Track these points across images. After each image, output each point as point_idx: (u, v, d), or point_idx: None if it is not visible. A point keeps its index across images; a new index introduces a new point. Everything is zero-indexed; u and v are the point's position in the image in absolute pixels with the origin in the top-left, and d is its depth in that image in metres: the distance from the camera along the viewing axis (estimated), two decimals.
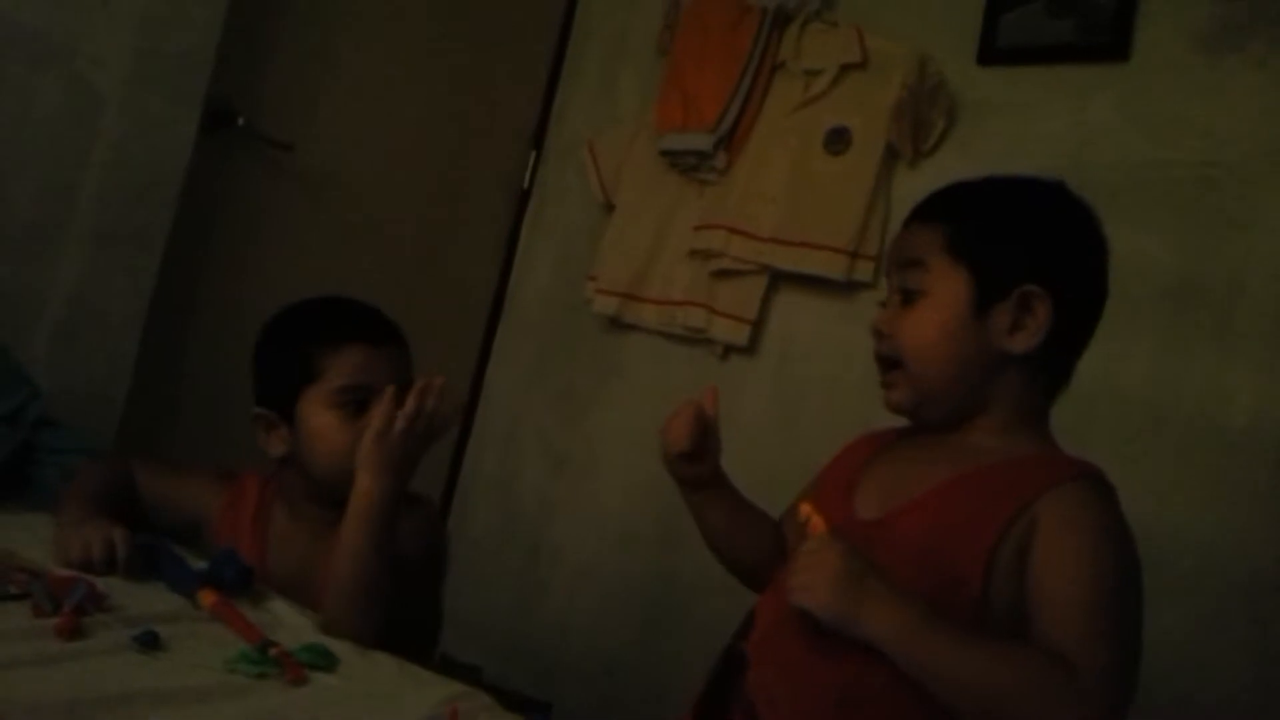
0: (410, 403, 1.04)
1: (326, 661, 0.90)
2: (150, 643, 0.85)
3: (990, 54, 1.77)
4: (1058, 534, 0.86)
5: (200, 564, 1.05)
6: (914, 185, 1.79)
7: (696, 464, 1.07)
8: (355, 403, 1.14)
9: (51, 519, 1.11)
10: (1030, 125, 1.71)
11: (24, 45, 1.49)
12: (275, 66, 1.89)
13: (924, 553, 0.89)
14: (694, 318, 2.00)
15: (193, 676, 0.81)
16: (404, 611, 1.06)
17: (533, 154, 2.40)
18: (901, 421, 1.04)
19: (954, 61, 1.80)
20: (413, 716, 0.83)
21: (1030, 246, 0.94)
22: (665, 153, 2.06)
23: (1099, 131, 1.65)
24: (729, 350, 2.00)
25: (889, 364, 0.98)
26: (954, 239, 0.95)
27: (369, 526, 1.03)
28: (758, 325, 1.95)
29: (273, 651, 0.87)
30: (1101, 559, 0.85)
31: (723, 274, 1.96)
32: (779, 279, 1.93)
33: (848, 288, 1.84)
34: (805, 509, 0.91)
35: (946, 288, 0.94)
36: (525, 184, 2.40)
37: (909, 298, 0.96)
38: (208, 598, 0.98)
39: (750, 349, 1.96)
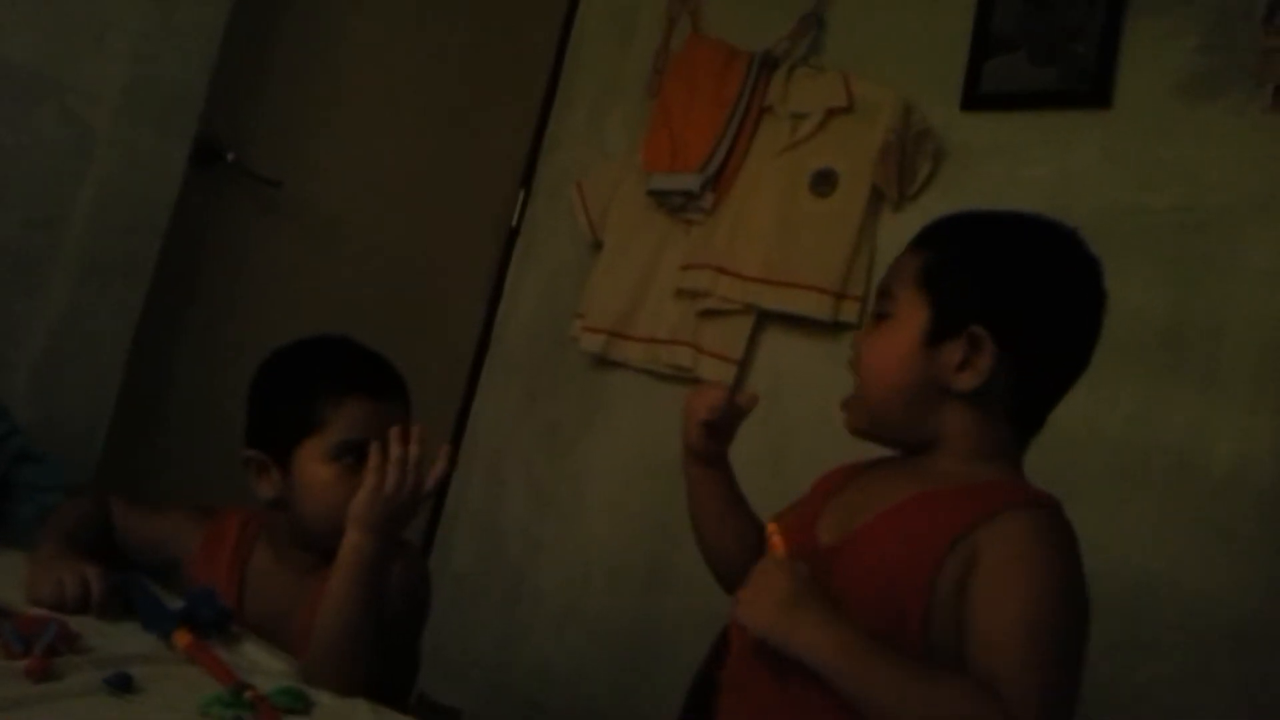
0: (394, 449, 1.02)
1: (301, 705, 0.89)
2: (123, 685, 0.83)
3: (974, 100, 1.79)
4: (998, 562, 0.86)
5: (177, 603, 1.04)
6: (899, 228, 1.80)
7: (712, 438, 1.07)
8: (355, 457, 1.11)
9: (28, 556, 1.09)
10: (1014, 170, 1.73)
11: (16, 79, 1.49)
12: (265, 103, 1.90)
13: (871, 578, 0.90)
14: (680, 356, 2.00)
15: (163, 718, 0.80)
16: (383, 658, 1.04)
17: (522, 192, 2.41)
18: (879, 452, 1.05)
19: (938, 107, 1.82)
20: None
21: (988, 288, 0.94)
22: (653, 192, 2.07)
23: (1082, 177, 1.67)
24: None
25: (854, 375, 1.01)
26: (925, 270, 0.96)
27: (357, 583, 1.01)
28: (744, 365, 1.95)
29: (248, 695, 0.86)
30: (1040, 589, 0.85)
31: (709, 313, 1.97)
32: (765, 319, 1.94)
33: (834, 329, 1.85)
34: (770, 528, 0.93)
35: (907, 316, 0.96)
36: (514, 222, 2.41)
37: (879, 320, 0.99)
38: (183, 639, 0.96)
39: (736, 389, 1.96)
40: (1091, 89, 1.67)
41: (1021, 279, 0.95)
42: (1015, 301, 0.94)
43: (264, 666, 0.98)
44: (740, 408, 1.07)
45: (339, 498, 1.08)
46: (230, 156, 1.81)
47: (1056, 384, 0.97)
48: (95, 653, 0.89)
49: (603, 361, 2.14)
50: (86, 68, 1.56)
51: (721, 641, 1.00)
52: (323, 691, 0.94)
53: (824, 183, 1.87)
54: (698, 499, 1.13)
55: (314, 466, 1.13)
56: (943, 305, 0.94)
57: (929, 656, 0.85)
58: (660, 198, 2.07)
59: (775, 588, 0.87)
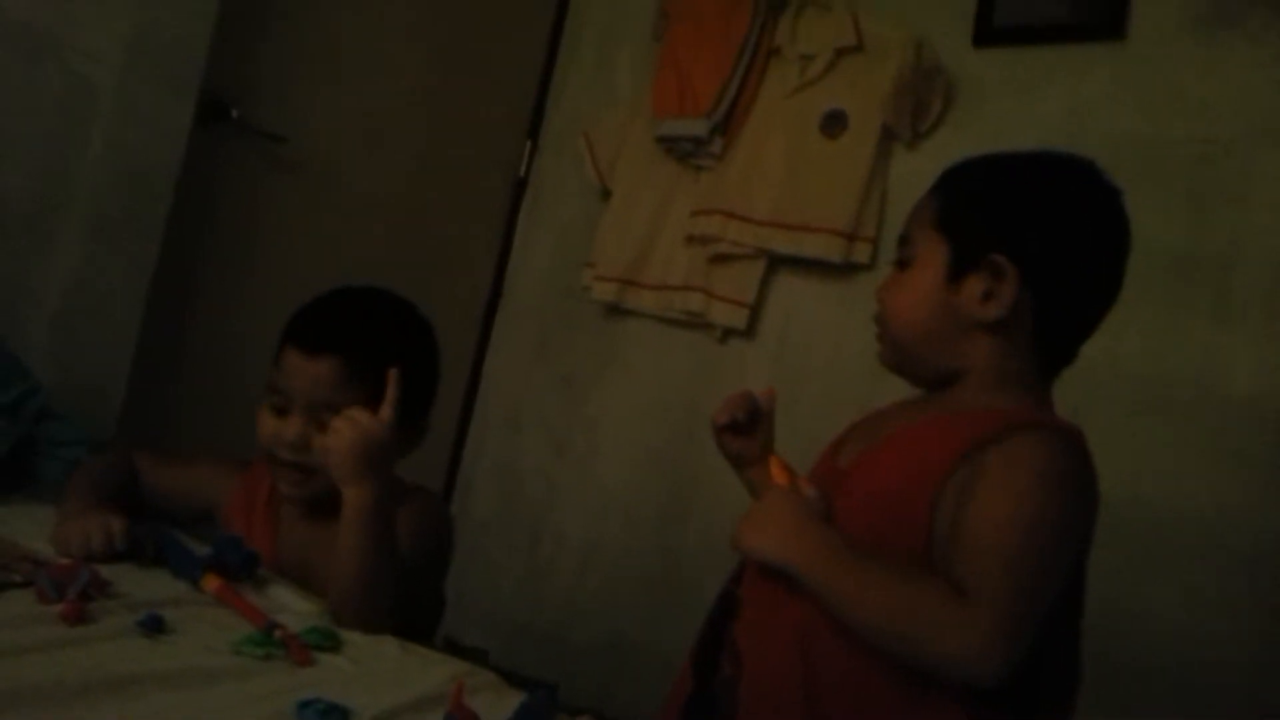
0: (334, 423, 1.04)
1: (331, 643, 0.91)
2: (155, 626, 0.85)
3: (986, 35, 1.77)
4: (996, 473, 0.86)
5: (205, 550, 1.06)
6: (912, 167, 1.79)
7: (741, 440, 1.09)
8: (274, 401, 1.15)
9: (54, 510, 1.11)
10: (1027, 105, 1.71)
11: (17, 37, 1.48)
12: (268, 58, 1.89)
13: (876, 496, 0.91)
14: (692, 302, 2.00)
15: (198, 659, 0.82)
16: (406, 601, 1.06)
17: (529, 142, 2.40)
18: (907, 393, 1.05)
19: (950, 43, 1.80)
20: (418, 694, 0.83)
21: (1003, 217, 0.95)
22: (661, 139, 2.05)
23: (1095, 110, 1.65)
24: (728, 334, 2.00)
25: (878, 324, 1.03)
26: (941, 211, 0.97)
27: (362, 530, 1.03)
28: (756, 309, 1.95)
29: (278, 634, 0.87)
30: (1030, 499, 0.84)
31: (720, 258, 1.97)
32: (777, 263, 1.94)
33: (846, 270, 1.84)
34: (772, 459, 0.98)
35: (927, 258, 0.97)
36: (522, 172, 2.40)
37: (901, 266, 1.00)
38: (211, 583, 0.98)
39: (749, 333, 1.97)
40: (1105, 20, 1.65)
41: (1035, 204, 0.95)
42: (1031, 225, 0.94)
43: (293, 608, 1.00)
44: (759, 403, 1.08)
45: (262, 433, 1.15)
46: (235, 113, 1.81)
47: (1082, 312, 0.97)
48: (127, 597, 0.91)
49: (615, 310, 2.14)
50: (87, 24, 1.54)
51: (743, 562, 1.02)
52: (352, 630, 0.96)
53: (834, 124, 1.86)
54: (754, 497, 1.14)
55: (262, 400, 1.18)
56: (960, 240, 0.95)
57: (930, 567, 0.86)
58: (669, 144, 2.05)
59: (761, 508, 0.92)
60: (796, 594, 0.88)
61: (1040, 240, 0.94)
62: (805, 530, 0.89)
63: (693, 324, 2.03)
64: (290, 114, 1.91)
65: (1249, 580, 1.41)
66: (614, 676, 1.99)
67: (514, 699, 0.85)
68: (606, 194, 2.20)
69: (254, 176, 1.90)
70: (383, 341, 1.17)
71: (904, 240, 1.00)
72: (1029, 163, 1.00)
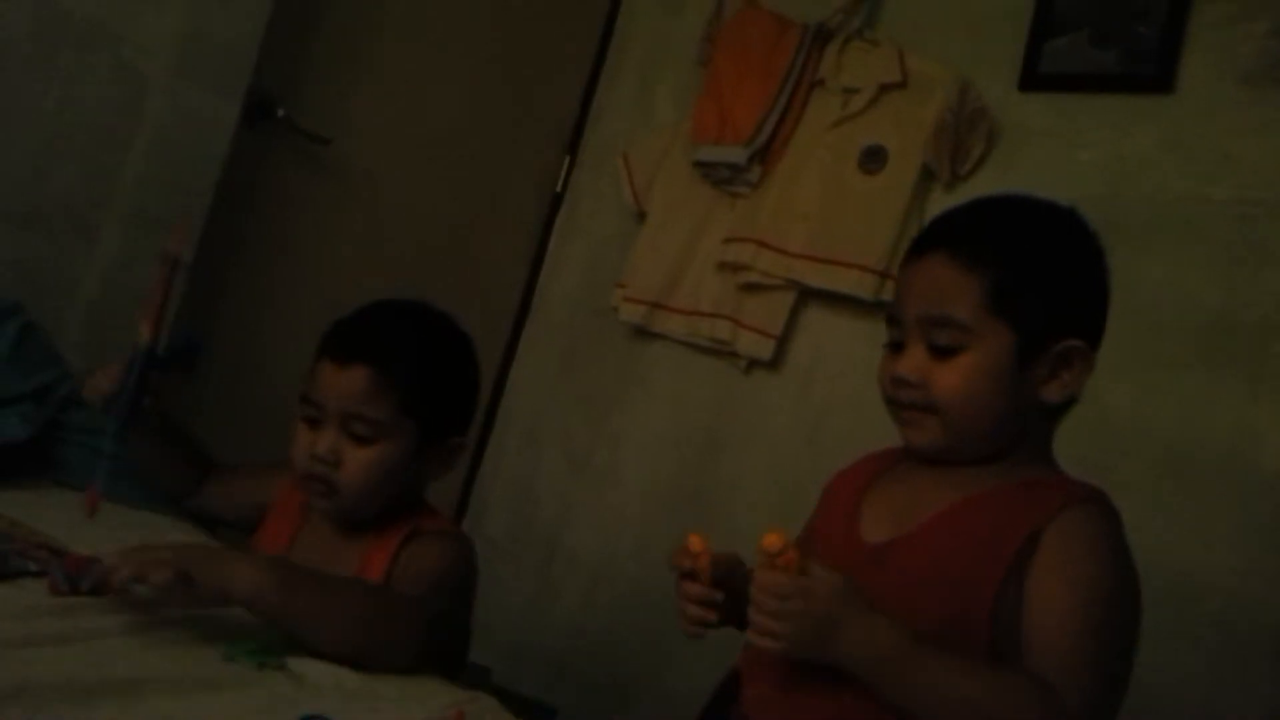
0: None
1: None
2: (164, 628, 0.85)
3: (1032, 80, 1.76)
4: (1055, 559, 0.87)
5: None
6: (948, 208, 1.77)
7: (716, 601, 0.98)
8: (308, 418, 1.14)
9: (76, 497, 1.12)
10: (1070, 153, 1.70)
11: (73, 30, 1.51)
12: (317, 61, 1.91)
13: (934, 578, 0.90)
14: (720, 330, 1.99)
15: (203, 666, 0.82)
16: (439, 642, 1.04)
17: (567, 159, 2.41)
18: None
19: (995, 86, 1.79)
20: (418, 719, 0.83)
21: (1072, 303, 0.95)
22: (699, 164, 2.06)
23: (1138, 163, 1.63)
24: (753, 364, 1.99)
25: (914, 408, 0.96)
26: (993, 294, 0.92)
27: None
28: (783, 341, 1.94)
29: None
30: (1095, 586, 0.86)
31: (751, 288, 1.96)
32: (807, 295, 1.93)
33: (876, 307, 1.83)
34: (773, 541, 0.84)
35: (989, 344, 0.92)
36: (558, 188, 2.41)
37: (943, 351, 0.93)
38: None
39: (774, 364, 1.96)
40: (1154, 73, 1.63)
41: (1088, 284, 0.97)
42: (1092, 308, 0.97)
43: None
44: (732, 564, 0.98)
45: (294, 447, 1.15)
46: (281, 113, 1.83)
47: None
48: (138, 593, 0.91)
49: (642, 332, 2.14)
50: (142, 19, 1.57)
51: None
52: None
53: (873, 160, 1.85)
54: None
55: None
56: (1028, 327, 0.92)
57: (994, 652, 0.86)
58: (706, 169, 2.05)
59: (795, 614, 0.83)
60: (832, 680, 0.86)
61: (1101, 319, 0.97)
62: (875, 627, 0.83)
63: (718, 351, 2.02)
64: (336, 117, 1.93)
65: (1271, 657, 1.38)
66: (614, 704, 1.97)
67: None
68: (641, 215, 2.20)
69: (294, 177, 1.92)
70: (413, 353, 1.16)
71: (945, 322, 0.93)
72: (1047, 227, 0.98)
